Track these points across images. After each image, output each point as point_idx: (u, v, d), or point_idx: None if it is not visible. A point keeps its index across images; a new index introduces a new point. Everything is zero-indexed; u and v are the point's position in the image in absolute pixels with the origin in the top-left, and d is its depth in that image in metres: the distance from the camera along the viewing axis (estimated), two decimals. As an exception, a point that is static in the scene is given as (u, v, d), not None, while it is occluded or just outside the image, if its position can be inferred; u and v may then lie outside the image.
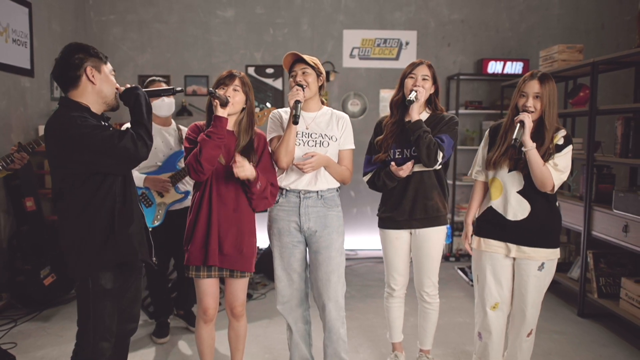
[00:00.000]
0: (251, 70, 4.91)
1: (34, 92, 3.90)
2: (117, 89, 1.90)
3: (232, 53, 4.92)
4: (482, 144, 2.35)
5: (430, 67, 2.38)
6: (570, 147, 2.13)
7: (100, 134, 1.75)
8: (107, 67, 1.88)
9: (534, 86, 2.11)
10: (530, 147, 2.06)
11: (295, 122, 2.12)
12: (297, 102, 2.14)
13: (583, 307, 3.35)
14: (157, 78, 3.04)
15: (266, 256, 4.04)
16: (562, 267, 3.78)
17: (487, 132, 2.36)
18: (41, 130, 3.70)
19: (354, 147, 2.35)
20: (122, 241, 1.84)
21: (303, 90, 2.18)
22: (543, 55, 4.02)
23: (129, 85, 1.94)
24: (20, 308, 3.34)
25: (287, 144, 2.19)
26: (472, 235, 2.35)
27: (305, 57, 2.23)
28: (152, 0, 4.84)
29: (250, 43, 4.93)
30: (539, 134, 2.12)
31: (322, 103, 2.38)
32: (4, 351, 2.62)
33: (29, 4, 3.79)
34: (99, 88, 1.83)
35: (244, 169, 2.02)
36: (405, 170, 2.29)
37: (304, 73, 2.22)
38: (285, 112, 2.34)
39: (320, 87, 2.30)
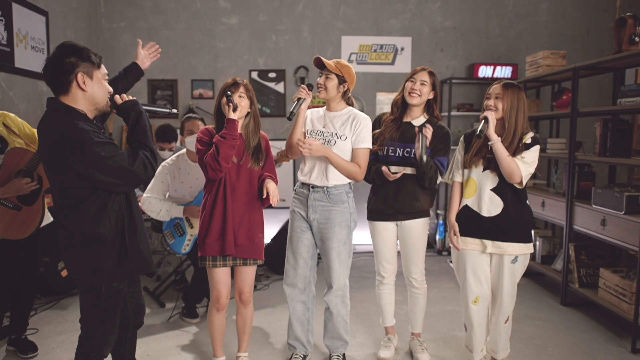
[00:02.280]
0: (254, 75, 5.11)
1: (50, 95, 4.12)
2: (110, 93, 1.86)
3: (237, 58, 5.11)
4: (459, 149, 2.50)
5: (431, 74, 2.52)
6: (537, 147, 2.31)
7: (116, 154, 1.71)
8: (101, 72, 1.80)
9: (496, 89, 2.32)
10: (495, 140, 2.25)
11: (289, 119, 2.34)
12: (299, 99, 2.34)
13: (565, 296, 3.54)
14: (194, 116, 3.24)
15: (269, 251, 4.26)
16: (547, 259, 3.98)
17: (462, 139, 2.52)
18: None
19: (369, 146, 2.43)
20: (135, 255, 1.85)
21: (310, 90, 2.35)
22: (529, 61, 4.24)
23: (126, 97, 1.89)
24: (40, 297, 3.50)
25: (290, 139, 2.43)
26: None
27: (331, 63, 2.37)
28: (160, 8, 5.03)
29: (254, 49, 5.12)
30: (503, 135, 2.30)
31: (352, 104, 2.51)
32: (28, 340, 2.81)
33: (45, 13, 3.99)
34: (90, 95, 1.76)
35: (276, 196, 2.29)
36: (393, 177, 2.48)
37: (327, 77, 2.39)
38: (311, 112, 2.51)
39: (345, 92, 2.43)
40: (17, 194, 2.54)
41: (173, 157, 3.19)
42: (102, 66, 1.83)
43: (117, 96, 1.87)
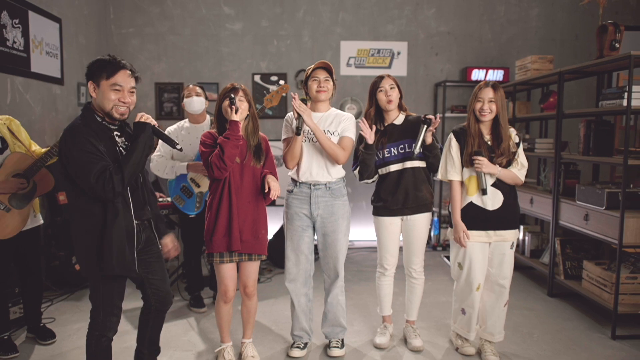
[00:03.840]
0: (257, 78, 5.29)
1: (63, 98, 4.30)
2: (128, 104, 1.97)
3: (240, 62, 5.29)
4: (453, 148, 2.59)
5: (391, 76, 2.68)
6: (522, 144, 2.55)
7: (85, 162, 1.85)
8: (109, 82, 1.92)
9: (488, 92, 2.47)
10: (498, 172, 2.47)
11: (298, 134, 2.48)
12: (299, 115, 2.46)
13: (552, 287, 3.70)
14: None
15: (271, 246, 4.45)
16: (535, 253, 4.15)
17: (452, 137, 2.61)
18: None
19: (353, 137, 2.61)
20: (107, 256, 1.94)
21: (307, 104, 2.49)
22: (518, 65, 4.42)
23: (145, 117, 2.01)
24: (55, 290, 3.67)
25: (293, 151, 2.55)
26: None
27: (332, 70, 2.58)
28: (167, 14, 5.21)
29: (257, 53, 5.29)
30: (496, 133, 2.50)
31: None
32: (46, 328, 2.99)
33: (59, 20, 4.17)
34: (98, 100, 1.95)
35: (277, 190, 2.43)
36: (368, 128, 2.60)
37: (326, 81, 2.56)
38: (291, 114, 2.65)
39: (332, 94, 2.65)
40: (10, 191, 2.64)
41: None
42: (116, 77, 1.92)
43: (138, 114, 2.04)
